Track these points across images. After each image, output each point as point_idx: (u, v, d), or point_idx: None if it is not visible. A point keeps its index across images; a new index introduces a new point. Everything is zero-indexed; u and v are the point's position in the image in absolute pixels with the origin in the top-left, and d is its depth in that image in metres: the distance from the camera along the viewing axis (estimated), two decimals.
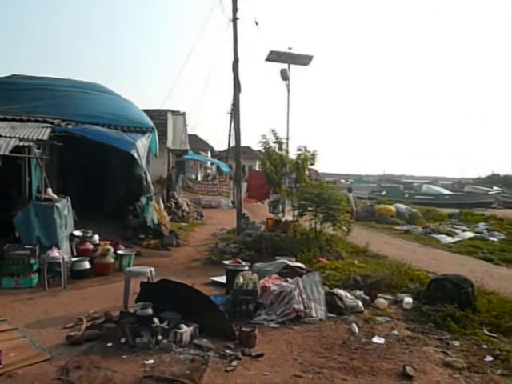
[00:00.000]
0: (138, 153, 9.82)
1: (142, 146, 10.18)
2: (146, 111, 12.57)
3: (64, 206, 8.19)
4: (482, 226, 16.76)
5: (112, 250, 8.25)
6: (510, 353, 4.70)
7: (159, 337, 4.59)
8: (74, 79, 12.23)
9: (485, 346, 4.92)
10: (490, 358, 4.61)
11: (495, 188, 33.69)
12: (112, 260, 8.08)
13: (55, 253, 7.05)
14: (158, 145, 12.06)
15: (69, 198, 8.62)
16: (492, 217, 19.40)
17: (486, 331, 5.35)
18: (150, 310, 4.85)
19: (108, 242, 8.58)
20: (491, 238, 13.85)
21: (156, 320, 4.79)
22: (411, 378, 4.09)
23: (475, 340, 5.09)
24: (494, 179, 48.14)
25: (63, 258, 7.06)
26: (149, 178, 11.14)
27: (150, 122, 11.65)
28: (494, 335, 5.25)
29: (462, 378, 4.19)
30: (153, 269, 6.45)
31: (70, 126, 9.95)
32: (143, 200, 10.94)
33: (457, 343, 5.00)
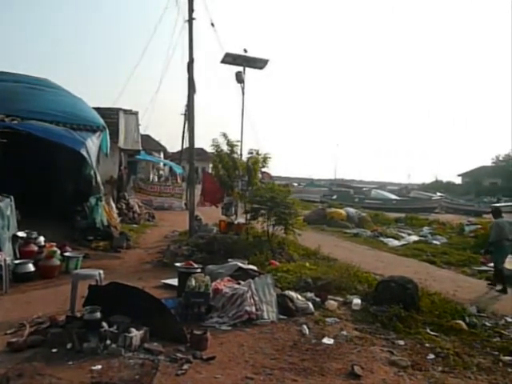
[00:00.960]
0: (87, 152, 9.51)
1: (92, 144, 9.86)
2: (98, 109, 12.18)
3: (6, 206, 7.79)
4: (426, 229, 17.63)
5: (58, 251, 7.95)
6: (450, 351, 4.98)
7: (108, 341, 4.46)
8: (18, 73, 11.63)
9: (427, 345, 5.18)
10: (431, 356, 4.87)
11: (438, 194, 35.49)
12: (58, 262, 7.77)
13: None
14: (109, 144, 11.70)
15: (12, 198, 8.21)
16: (435, 221, 20.46)
17: (428, 330, 5.64)
18: (98, 314, 4.71)
19: (54, 244, 8.26)
20: (434, 242, 14.60)
21: (105, 324, 4.66)
22: (359, 377, 4.24)
23: (419, 339, 5.35)
24: (437, 185, 50.76)
25: (5, 261, 6.72)
26: (98, 178, 10.78)
27: (101, 121, 11.29)
28: (435, 334, 5.54)
29: (406, 375, 4.38)
30: (102, 271, 6.28)
31: (15, 122, 9.46)
32: (92, 200, 10.59)
33: (402, 342, 5.23)
